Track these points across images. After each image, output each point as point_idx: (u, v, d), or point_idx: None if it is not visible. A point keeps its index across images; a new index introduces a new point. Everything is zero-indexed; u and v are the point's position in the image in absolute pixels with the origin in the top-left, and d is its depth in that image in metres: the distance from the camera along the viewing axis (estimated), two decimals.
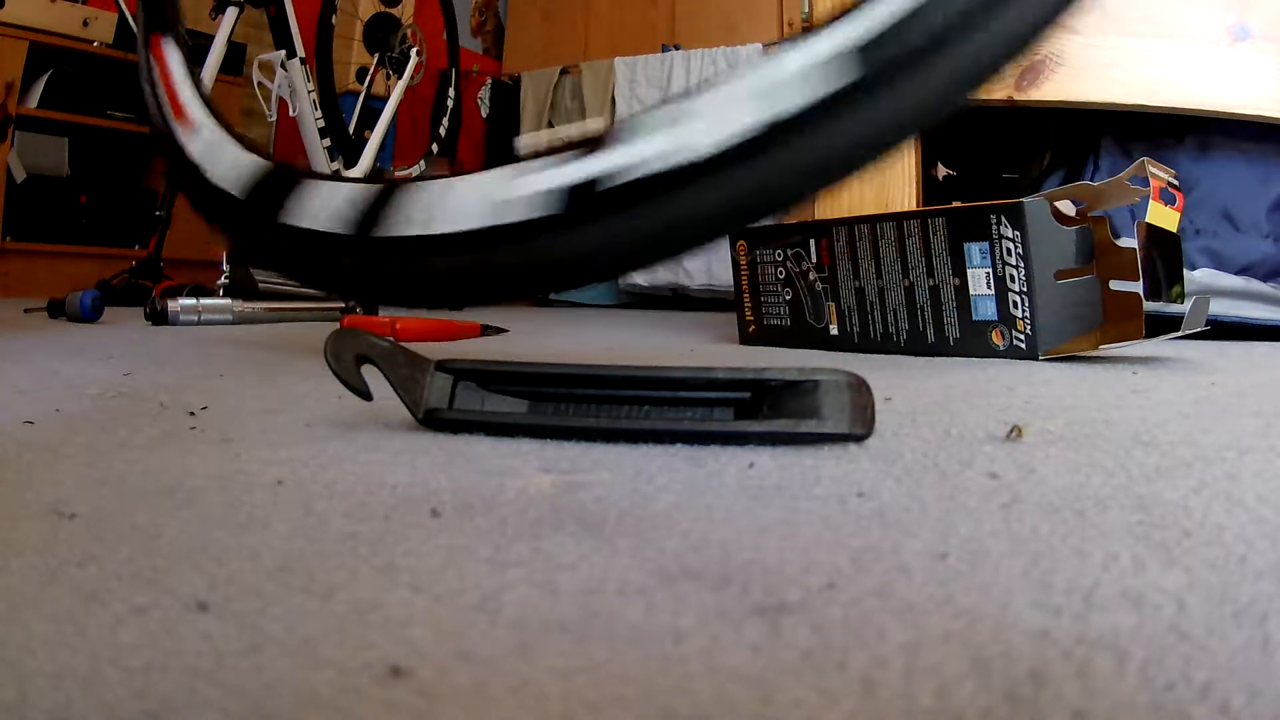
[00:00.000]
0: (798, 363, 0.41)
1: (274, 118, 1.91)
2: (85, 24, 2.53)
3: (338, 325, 0.73)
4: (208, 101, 0.68)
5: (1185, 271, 0.90)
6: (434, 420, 0.42)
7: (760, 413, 0.39)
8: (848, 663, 0.17)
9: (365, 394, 0.42)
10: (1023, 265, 0.86)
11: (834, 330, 1.02)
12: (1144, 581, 0.22)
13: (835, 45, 0.38)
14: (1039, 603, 0.20)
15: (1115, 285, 0.86)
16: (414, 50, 2.29)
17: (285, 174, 0.56)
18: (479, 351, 0.50)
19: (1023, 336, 0.87)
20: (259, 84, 1.91)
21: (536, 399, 0.43)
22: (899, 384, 0.65)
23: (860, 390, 0.39)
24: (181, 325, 1.31)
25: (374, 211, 0.48)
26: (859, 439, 0.39)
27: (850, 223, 1.00)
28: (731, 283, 1.15)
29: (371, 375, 0.42)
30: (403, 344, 0.43)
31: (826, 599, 0.21)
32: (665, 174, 0.40)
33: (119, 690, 0.16)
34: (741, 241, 1.12)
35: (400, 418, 0.45)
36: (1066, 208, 0.89)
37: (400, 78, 2.26)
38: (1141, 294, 0.83)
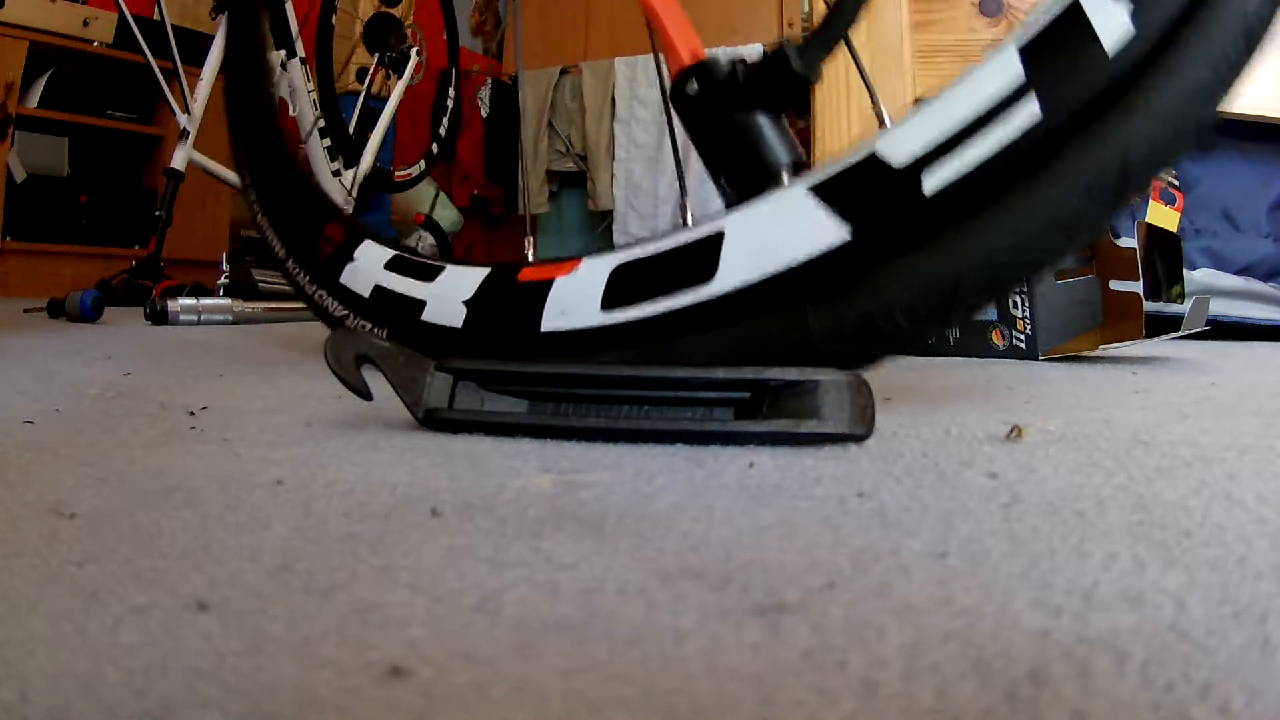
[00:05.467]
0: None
1: None
2: (85, 24, 2.53)
3: None
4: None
5: (1185, 271, 0.90)
6: (434, 420, 0.42)
7: (760, 413, 0.39)
8: (848, 663, 0.17)
9: (365, 394, 0.42)
10: None
11: None
12: (1144, 581, 0.22)
13: None
14: (1039, 603, 0.20)
15: (1115, 285, 0.86)
16: (414, 50, 2.29)
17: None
18: None
19: (1023, 336, 0.87)
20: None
21: (536, 399, 0.43)
22: (899, 384, 0.65)
23: (860, 390, 0.39)
24: (181, 325, 1.31)
25: None
26: (859, 439, 0.39)
27: None
28: None
29: (371, 375, 0.42)
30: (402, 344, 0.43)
31: (826, 599, 0.21)
32: None
33: (119, 690, 0.16)
34: None
35: (400, 418, 0.45)
36: None
37: (400, 78, 2.26)
38: (1141, 294, 0.83)
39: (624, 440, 0.40)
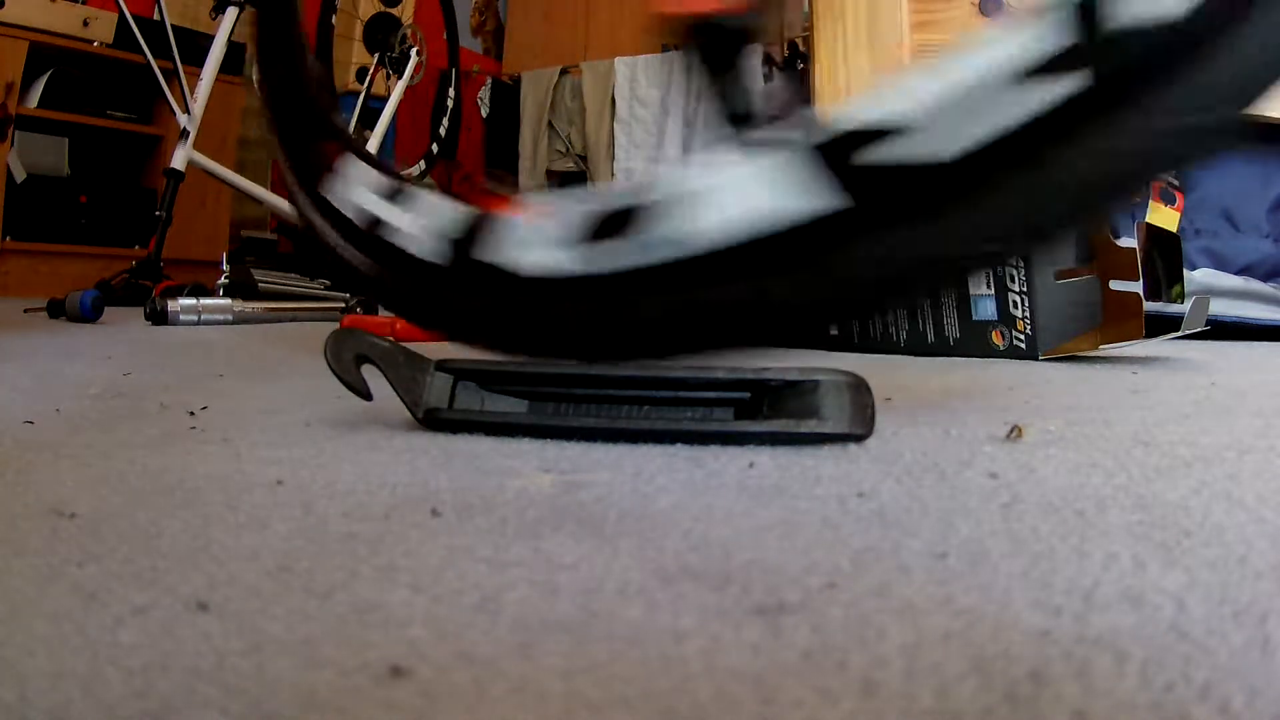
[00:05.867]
0: (798, 363, 0.40)
1: None
2: (85, 24, 2.53)
3: (337, 325, 0.73)
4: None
5: (1185, 271, 0.90)
6: (434, 420, 0.42)
7: (760, 413, 0.39)
8: (848, 663, 0.17)
9: (365, 394, 0.42)
10: (1023, 265, 0.86)
11: (834, 330, 1.02)
12: (1144, 581, 0.22)
13: None
14: (1039, 603, 0.20)
15: (1115, 285, 0.86)
16: (414, 50, 2.29)
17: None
18: (479, 351, 0.50)
19: (1023, 336, 0.87)
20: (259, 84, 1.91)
21: (536, 399, 0.43)
22: (899, 384, 0.65)
23: (860, 390, 0.39)
24: (181, 325, 1.31)
25: None
26: (859, 439, 0.39)
27: None
28: None
29: (371, 375, 0.42)
30: (402, 344, 0.43)
31: (826, 599, 0.21)
32: None
33: (119, 690, 0.16)
34: None
35: (400, 418, 0.45)
36: None
37: (400, 78, 2.26)
38: (1141, 294, 0.83)
39: (624, 440, 0.40)
